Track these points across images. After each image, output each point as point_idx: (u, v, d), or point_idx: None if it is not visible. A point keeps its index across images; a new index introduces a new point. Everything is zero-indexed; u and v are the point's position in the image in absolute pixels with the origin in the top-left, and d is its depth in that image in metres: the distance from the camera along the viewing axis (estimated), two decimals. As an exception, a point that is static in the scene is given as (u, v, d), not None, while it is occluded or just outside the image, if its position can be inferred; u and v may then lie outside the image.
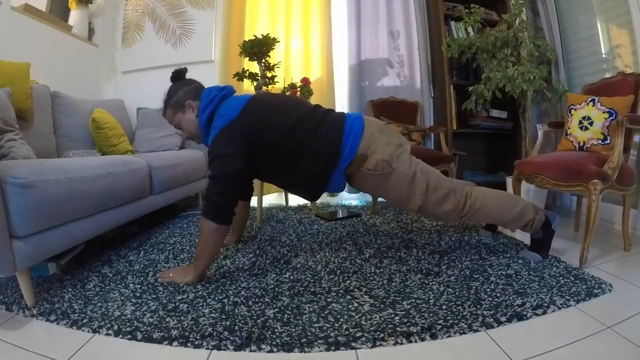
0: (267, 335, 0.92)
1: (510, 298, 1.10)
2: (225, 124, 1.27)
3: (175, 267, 1.40)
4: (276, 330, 0.95)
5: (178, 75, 1.48)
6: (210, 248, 1.25)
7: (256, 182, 2.00)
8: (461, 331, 0.95)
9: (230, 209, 1.25)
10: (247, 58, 2.32)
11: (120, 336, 0.95)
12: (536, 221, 1.39)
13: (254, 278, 1.30)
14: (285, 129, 1.29)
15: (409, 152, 1.38)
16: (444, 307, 1.06)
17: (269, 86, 2.38)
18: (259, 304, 1.10)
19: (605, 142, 1.63)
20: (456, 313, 1.02)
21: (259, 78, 2.33)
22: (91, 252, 1.57)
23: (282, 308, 1.07)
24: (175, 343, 0.92)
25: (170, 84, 1.47)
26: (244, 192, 1.63)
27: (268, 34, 2.23)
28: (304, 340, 0.90)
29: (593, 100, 1.71)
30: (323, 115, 1.35)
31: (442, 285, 1.21)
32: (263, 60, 2.30)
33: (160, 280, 1.28)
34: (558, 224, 1.45)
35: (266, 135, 1.28)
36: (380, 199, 2.47)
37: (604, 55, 2.21)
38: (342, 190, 1.45)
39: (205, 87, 1.44)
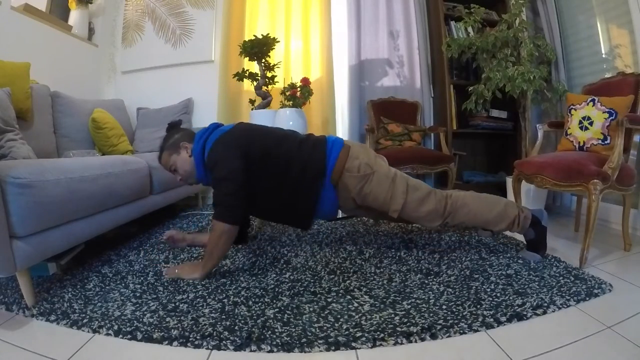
0: (267, 335, 0.92)
1: (510, 298, 1.10)
2: (220, 135, 1.38)
3: (182, 264, 1.42)
4: (276, 330, 0.95)
5: (173, 127, 1.57)
6: (220, 248, 1.27)
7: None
8: (461, 331, 0.95)
9: (240, 207, 1.29)
10: (247, 58, 2.32)
11: (120, 336, 0.95)
12: (522, 218, 1.40)
13: (254, 278, 1.30)
14: (272, 142, 1.39)
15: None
16: (444, 307, 1.06)
17: (269, 86, 2.38)
18: (259, 304, 1.10)
19: (605, 142, 1.63)
20: (456, 313, 1.02)
21: (259, 78, 2.33)
22: (91, 252, 1.57)
23: (282, 308, 1.07)
24: (175, 343, 0.92)
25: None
26: (242, 224, 1.65)
27: (268, 34, 2.23)
28: (304, 340, 0.90)
29: (593, 100, 1.71)
30: (307, 137, 1.49)
31: (442, 285, 1.21)
32: (263, 60, 2.30)
33: (167, 276, 1.30)
34: (547, 219, 1.45)
35: (255, 149, 1.35)
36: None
37: (604, 55, 2.21)
38: (335, 215, 1.51)
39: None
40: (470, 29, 2.65)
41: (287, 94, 2.27)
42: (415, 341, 0.91)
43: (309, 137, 1.48)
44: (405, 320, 0.99)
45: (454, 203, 1.40)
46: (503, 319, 0.99)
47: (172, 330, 0.95)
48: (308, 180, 1.37)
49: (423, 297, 1.13)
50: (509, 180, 2.14)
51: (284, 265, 1.42)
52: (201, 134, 1.45)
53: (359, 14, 2.89)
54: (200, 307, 1.08)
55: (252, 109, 2.37)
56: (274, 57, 2.43)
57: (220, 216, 1.26)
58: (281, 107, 2.26)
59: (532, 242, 1.45)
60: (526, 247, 1.48)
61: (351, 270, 1.36)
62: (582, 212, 1.85)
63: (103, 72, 3.01)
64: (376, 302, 1.10)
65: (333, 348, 0.89)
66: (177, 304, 1.10)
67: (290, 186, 1.37)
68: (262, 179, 1.37)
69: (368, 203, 1.42)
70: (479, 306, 1.06)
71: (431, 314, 1.02)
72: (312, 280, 1.27)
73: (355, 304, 1.09)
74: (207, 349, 0.90)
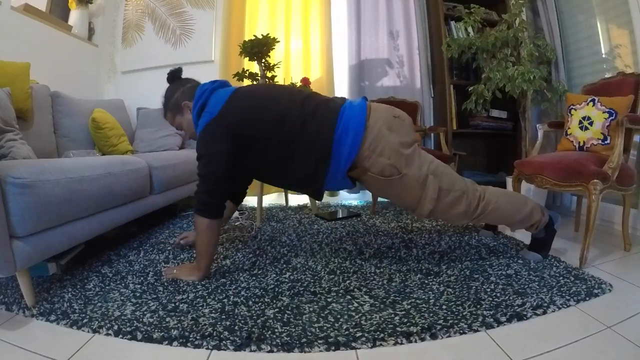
0: (267, 335, 0.92)
1: (510, 298, 1.10)
2: (207, 121, 1.23)
3: (181, 265, 1.41)
4: (276, 330, 0.95)
5: (174, 76, 1.46)
6: (207, 243, 1.26)
7: (256, 182, 2.00)
8: (461, 331, 0.95)
9: (219, 204, 1.26)
10: (247, 58, 2.31)
11: (120, 336, 0.95)
12: (542, 222, 1.39)
13: (254, 278, 1.30)
14: (269, 124, 1.21)
15: (420, 150, 1.28)
16: (444, 307, 1.06)
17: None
18: (259, 304, 1.10)
19: (605, 142, 1.63)
20: (456, 313, 1.02)
21: (259, 78, 2.33)
22: (91, 252, 1.57)
23: (282, 308, 1.07)
24: (175, 343, 0.92)
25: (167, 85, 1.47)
26: (236, 195, 1.64)
27: (268, 34, 2.23)
28: (304, 340, 0.90)
29: (593, 100, 1.71)
30: (314, 109, 1.22)
31: (442, 285, 1.21)
32: (263, 60, 2.30)
33: (165, 277, 1.29)
34: (560, 224, 1.45)
35: (250, 131, 1.22)
36: (381, 199, 2.47)
37: (604, 55, 2.21)
38: (351, 188, 1.36)
39: (198, 84, 1.42)
40: (470, 29, 2.65)
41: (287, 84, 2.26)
42: (415, 341, 0.91)
43: (317, 110, 1.22)
44: (405, 320, 0.99)
45: (486, 206, 1.30)
46: (503, 319, 0.99)
47: (172, 330, 0.95)
48: (312, 164, 1.22)
49: (423, 297, 1.13)
50: (509, 180, 2.14)
51: (284, 265, 1.42)
52: (198, 97, 1.32)
53: (359, 14, 2.89)
54: (200, 307, 1.08)
55: (252, 109, 2.36)
56: (274, 57, 2.43)
57: (200, 212, 1.23)
58: (281, 107, 2.26)
59: (537, 242, 1.44)
60: (530, 245, 1.48)
61: (351, 270, 1.36)
62: (582, 212, 1.86)
63: (103, 72, 3.02)
64: (376, 302, 1.10)
65: (333, 348, 0.89)
66: (177, 304, 1.10)
67: (293, 171, 1.26)
68: (260, 161, 1.29)
69: (391, 200, 1.35)
70: (479, 306, 1.06)
71: (431, 314, 1.02)
72: (312, 280, 1.27)
73: (355, 304, 1.09)
74: (207, 349, 0.90)
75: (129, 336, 0.95)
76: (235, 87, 1.34)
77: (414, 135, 1.29)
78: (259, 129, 1.22)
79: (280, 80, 2.45)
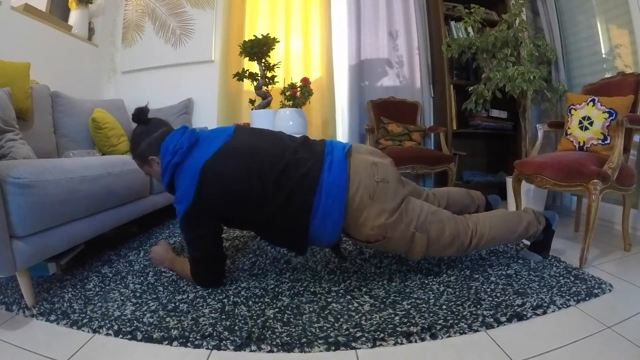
0: (267, 335, 0.92)
1: (510, 298, 1.10)
2: (184, 210, 1.13)
3: (164, 246, 1.42)
4: (276, 330, 0.95)
5: (139, 118, 1.28)
6: (187, 278, 1.25)
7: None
8: (461, 331, 0.95)
9: (220, 279, 1.25)
10: (247, 58, 2.32)
11: (120, 336, 0.95)
12: (539, 230, 1.37)
13: (254, 278, 1.30)
14: (246, 211, 1.14)
15: (407, 205, 1.16)
16: (444, 307, 1.06)
17: (269, 86, 2.38)
18: (259, 304, 1.10)
19: (605, 142, 1.63)
20: (456, 313, 1.02)
21: (259, 78, 2.34)
22: (91, 252, 1.57)
23: (282, 308, 1.07)
24: (175, 343, 0.92)
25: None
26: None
27: (268, 34, 2.23)
28: (304, 340, 0.90)
29: (593, 100, 1.71)
30: (289, 193, 1.09)
31: (442, 285, 1.21)
32: (263, 60, 2.30)
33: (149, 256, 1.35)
34: (558, 223, 1.45)
35: (228, 213, 1.16)
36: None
37: (604, 55, 2.21)
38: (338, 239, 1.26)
39: (167, 135, 1.23)
40: (470, 29, 2.65)
41: (287, 94, 2.27)
42: (415, 341, 0.91)
43: (291, 197, 1.09)
44: (405, 320, 0.99)
45: (479, 240, 1.23)
46: (503, 319, 0.99)
47: (172, 330, 0.95)
48: (290, 246, 1.25)
49: (423, 297, 1.13)
50: (509, 180, 2.14)
51: (284, 265, 1.42)
52: (164, 169, 1.18)
53: (359, 14, 2.89)
54: (200, 307, 1.08)
55: (252, 109, 2.37)
56: (274, 57, 2.43)
57: (197, 281, 1.22)
58: (281, 107, 2.26)
59: (537, 244, 1.44)
60: (530, 247, 1.48)
61: (351, 270, 1.36)
62: (582, 212, 1.85)
63: (103, 72, 3.01)
64: (376, 302, 1.10)
65: (333, 348, 0.89)
66: (177, 304, 1.10)
67: (276, 238, 1.24)
68: (244, 226, 1.28)
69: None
70: (479, 306, 1.06)
71: (431, 314, 1.02)
72: (312, 280, 1.27)
73: (355, 304, 1.09)
74: (207, 349, 0.90)
75: (129, 336, 0.95)
76: (201, 164, 1.13)
77: (401, 195, 1.16)
78: (237, 212, 1.16)
79: (280, 80, 2.45)
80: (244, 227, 1.32)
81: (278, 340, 0.90)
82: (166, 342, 0.92)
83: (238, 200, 1.12)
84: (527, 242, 1.49)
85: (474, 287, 1.18)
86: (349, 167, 1.13)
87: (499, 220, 1.30)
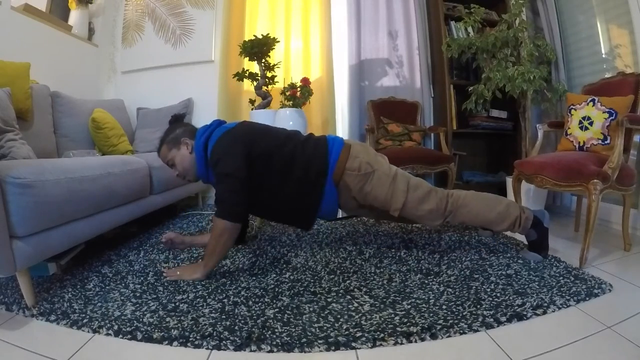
0: (267, 335, 0.92)
1: (510, 298, 1.10)
2: (224, 131, 1.37)
3: (182, 265, 1.41)
4: (276, 330, 0.95)
5: (177, 119, 1.58)
6: (221, 246, 1.27)
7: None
8: (461, 331, 0.95)
9: (243, 204, 1.29)
10: (247, 58, 2.32)
11: (120, 336, 0.95)
12: (524, 219, 1.39)
13: (254, 278, 1.30)
14: (275, 142, 1.39)
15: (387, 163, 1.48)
16: (444, 307, 1.06)
17: (269, 86, 2.38)
18: (259, 304, 1.10)
19: (605, 142, 1.63)
20: (456, 313, 1.02)
21: (259, 78, 2.34)
22: (91, 252, 1.57)
23: (282, 308, 1.07)
24: (175, 343, 0.92)
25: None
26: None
27: (268, 34, 2.23)
28: (304, 340, 0.90)
29: (593, 100, 1.71)
30: (308, 136, 1.49)
31: (442, 285, 1.21)
32: (263, 60, 2.30)
33: (168, 278, 1.29)
34: (549, 220, 1.45)
35: (258, 147, 1.35)
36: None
37: (604, 55, 2.21)
38: (335, 214, 1.50)
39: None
40: (470, 29, 2.65)
41: (287, 94, 2.27)
42: (415, 341, 0.91)
43: (310, 137, 1.47)
44: (405, 320, 0.99)
45: (455, 202, 1.40)
46: (503, 319, 0.99)
47: (172, 330, 0.95)
48: (311, 179, 1.37)
49: (423, 297, 1.13)
50: (509, 180, 2.14)
51: (284, 265, 1.42)
52: (203, 131, 1.43)
53: (359, 14, 2.89)
54: (200, 307, 1.08)
55: (252, 109, 2.37)
56: (274, 57, 2.43)
57: (223, 214, 1.25)
58: (281, 107, 2.26)
59: (533, 243, 1.45)
60: (528, 248, 1.48)
61: (351, 270, 1.36)
62: (582, 212, 1.85)
63: (103, 72, 3.01)
64: (376, 302, 1.10)
65: (333, 348, 0.89)
66: (177, 304, 1.10)
67: (294, 185, 1.37)
68: (264, 178, 1.36)
69: (369, 202, 1.42)
70: (479, 306, 1.06)
71: (431, 314, 1.02)
72: (312, 280, 1.27)
73: (355, 304, 1.09)
74: (207, 349, 0.90)
75: (129, 336, 0.95)
76: (235, 123, 1.47)
77: (378, 155, 1.51)
78: (264, 148, 1.36)
79: (280, 80, 2.45)
80: (260, 182, 1.36)
81: (278, 340, 0.90)
82: (166, 342, 0.92)
83: (266, 138, 1.39)
84: (527, 243, 1.49)
85: (474, 287, 1.18)
86: (349, 144, 1.45)
87: (475, 193, 1.45)
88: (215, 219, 1.26)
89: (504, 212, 1.39)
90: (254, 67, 2.39)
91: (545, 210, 1.46)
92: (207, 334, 0.94)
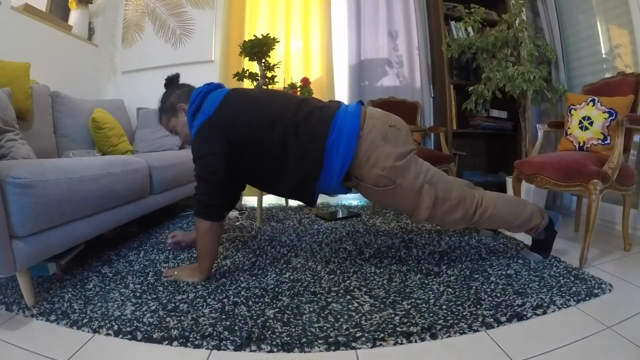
0: (267, 335, 0.92)
1: (510, 298, 1.10)
2: (201, 123, 1.23)
3: (181, 266, 1.41)
4: (276, 330, 0.95)
5: (171, 81, 1.46)
6: (209, 245, 1.26)
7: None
8: (461, 331, 0.95)
9: (219, 205, 1.25)
10: (247, 58, 2.32)
11: (120, 336, 0.95)
12: (542, 225, 1.39)
13: (254, 278, 1.30)
14: (261, 129, 1.20)
15: (416, 158, 1.26)
16: (444, 307, 1.06)
17: (269, 86, 2.38)
18: (259, 304, 1.10)
19: (605, 142, 1.63)
20: (456, 313, 1.02)
21: (259, 78, 2.33)
22: (91, 252, 1.57)
23: (282, 308, 1.07)
24: (175, 343, 0.92)
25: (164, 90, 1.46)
26: (229, 200, 1.49)
27: (268, 34, 2.23)
28: (304, 340, 0.90)
29: (593, 100, 1.71)
30: (307, 115, 1.20)
31: (442, 285, 1.21)
32: (263, 60, 2.30)
33: (166, 279, 1.29)
34: (560, 224, 1.45)
35: (242, 136, 1.21)
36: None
37: (604, 55, 2.20)
38: (346, 194, 1.39)
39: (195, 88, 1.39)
40: (470, 29, 2.65)
41: (282, 89, 2.26)
42: (415, 341, 0.91)
43: (310, 116, 1.21)
44: (405, 320, 0.99)
45: (484, 212, 1.29)
46: (503, 319, 0.99)
47: (172, 330, 0.95)
48: (302, 172, 1.21)
49: (423, 297, 1.13)
50: (509, 180, 2.14)
51: (284, 265, 1.42)
52: (193, 99, 1.30)
53: (359, 14, 2.90)
54: (200, 307, 1.08)
55: (252, 109, 2.36)
56: (274, 57, 2.43)
57: (200, 214, 1.23)
58: (281, 107, 2.26)
59: (538, 243, 1.44)
60: (531, 246, 1.48)
61: (351, 270, 1.36)
62: (582, 212, 1.86)
63: (103, 72, 3.01)
64: (376, 302, 1.10)
65: (333, 348, 0.89)
66: (177, 304, 1.10)
67: (286, 172, 1.23)
68: (253, 162, 1.25)
69: (387, 207, 1.36)
70: (479, 306, 1.06)
71: (431, 314, 1.02)
72: (312, 280, 1.27)
73: (355, 304, 1.09)
74: (207, 349, 0.90)
75: (129, 336, 0.95)
76: (229, 89, 1.33)
77: (411, 145, 1.27)
78: (250, 134, 1.21)
79: (280, 80, 2.45)
80: (252, 164, 1.26)
81: (278, 340, 0.90)
82: (166, 342, 0.92)
83: (254, 121, 1.21)
84: (527, 243, 1.49)
85: (474, 287, 1.18)
86: (363, 115, 1.23)
87: (505, 200, 1.35)
88: (196, 219, 1.24)
89: (526, 220, 1.35)
90: (254, 67, 2.39)
91: (559, 214, 1.45)
92: (207, 334, 0.94)
